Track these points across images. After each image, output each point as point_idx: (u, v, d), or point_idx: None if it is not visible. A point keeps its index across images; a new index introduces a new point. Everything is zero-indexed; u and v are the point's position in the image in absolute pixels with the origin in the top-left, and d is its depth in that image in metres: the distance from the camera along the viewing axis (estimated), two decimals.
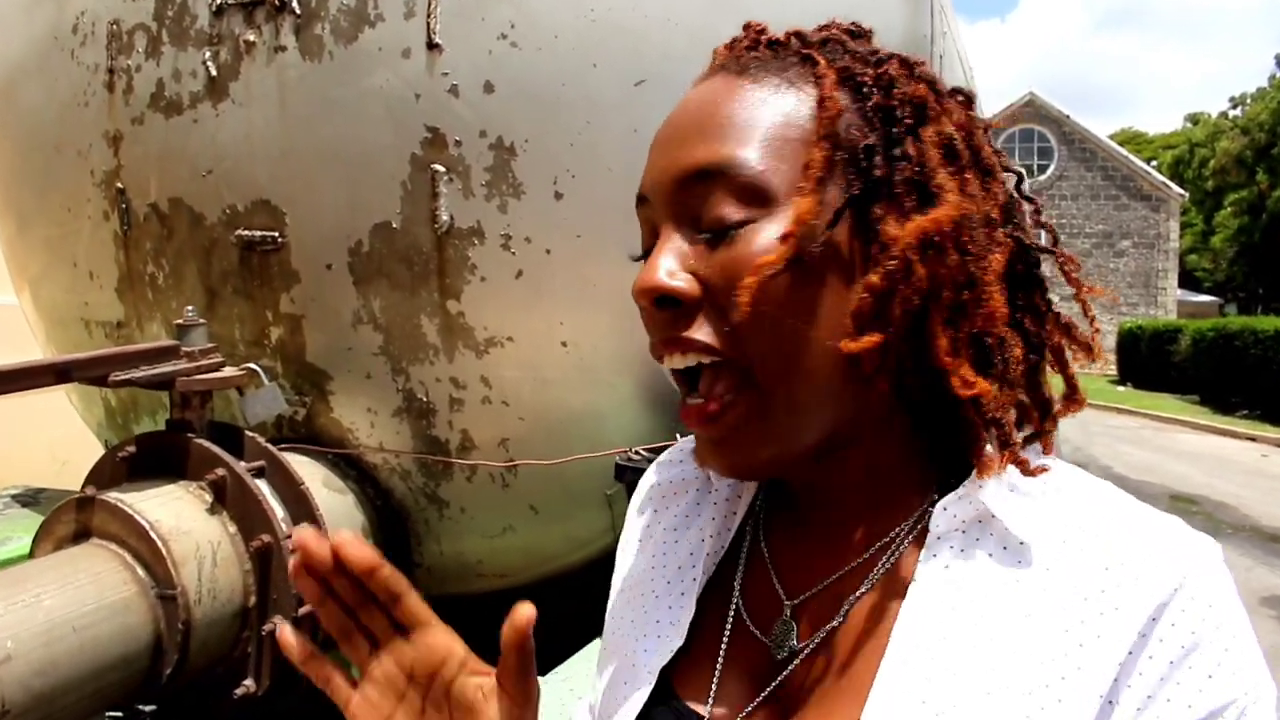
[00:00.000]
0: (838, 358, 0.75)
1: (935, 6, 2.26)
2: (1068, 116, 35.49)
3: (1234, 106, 41.05)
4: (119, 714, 2.22)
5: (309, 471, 2.27)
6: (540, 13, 2.05)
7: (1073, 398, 0.83)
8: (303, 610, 2.04)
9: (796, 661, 0.80)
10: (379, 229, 2.21)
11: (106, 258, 2.58)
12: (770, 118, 0.76)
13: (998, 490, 0.76)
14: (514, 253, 2.14)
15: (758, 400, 0.75)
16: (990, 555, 0.75)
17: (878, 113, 0.77)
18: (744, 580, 0.87)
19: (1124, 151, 36.34)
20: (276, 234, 2.29)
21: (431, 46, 2.09)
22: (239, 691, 1.99)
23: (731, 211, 0.74)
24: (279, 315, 2.36)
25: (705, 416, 0.76)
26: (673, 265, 0.75)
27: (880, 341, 0.74)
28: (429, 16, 2.08)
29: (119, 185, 2.50)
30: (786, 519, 0.89)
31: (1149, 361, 26.14)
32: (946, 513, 0.77)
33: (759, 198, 0.74)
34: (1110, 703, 0.67)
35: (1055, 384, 0.87)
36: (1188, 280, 41.62)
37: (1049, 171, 35.34)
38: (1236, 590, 0.71)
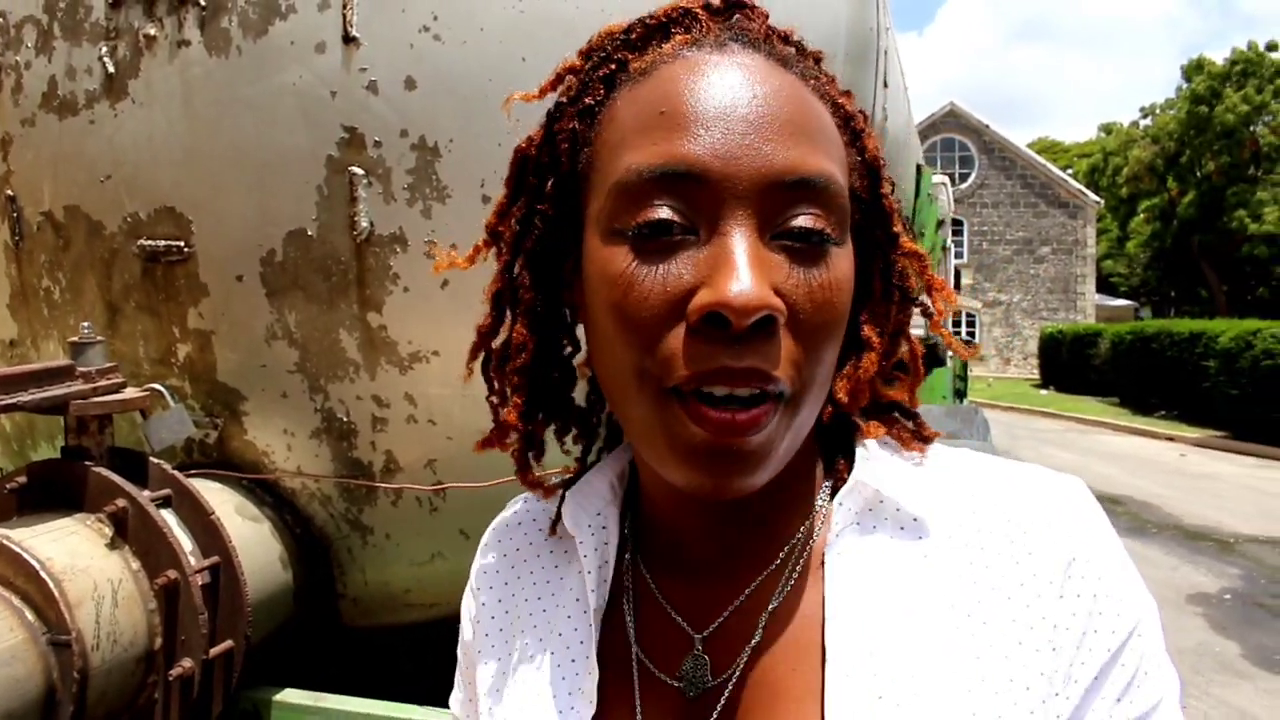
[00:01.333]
0: (832, 373, 0.75)
1: (880, 0, 2.18)
2: (987, 126, 36.42)
3: (1145, 116, 42.24)
4: None
5: (221, 499, 2.12)
6: (465, 3, 1.95)
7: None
8: (214, 651, 1.89)
9: (728, 690, 0.76)
10: (293, 237, 2.08)
11: None
12: (832, 133, 0.74)
13: (881, 473, 0.79)
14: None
15: (790, 415, 0.70)
16: (890, 537, 0.77)
17: (867, 169, 0.79)
18: (636, 628, 0.83)
19: (1042, 160, 37.38)
20: (182, 243, 2.15)
21: (348, 40, 1.98)
22: None
23: (829, 230, 0.70)
24: (186, 331, 2.21)
25: (745, 427, 0.67)
26: (766, 278, 0.67)
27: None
28: (345, 8, 1.97)
29: (9, 192, 2.35)
30: (667, 558, 0.85)
31: (1070, 365, 26.85)
32: (843, 508, 0.78)
33: (843, 221, 0.72)
34: (1054, 649, 0.71)
35: None
36: (1104, 285, 42.78)
37: (970, 180, 36.14)
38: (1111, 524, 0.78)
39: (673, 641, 0.80)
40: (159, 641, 1.86)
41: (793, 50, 0.77)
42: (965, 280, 34.50)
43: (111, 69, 2.14)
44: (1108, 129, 46.54)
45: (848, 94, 0.80)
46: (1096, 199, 36.93)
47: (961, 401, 9.42)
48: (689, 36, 0.76)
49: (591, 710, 0.79)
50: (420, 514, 2.24)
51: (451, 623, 0.98)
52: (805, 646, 0.75)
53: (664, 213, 0.68)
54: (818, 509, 0.81)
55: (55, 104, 2.22)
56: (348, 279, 2.08)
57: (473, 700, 0.92)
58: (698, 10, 0.78)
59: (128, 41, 2.13)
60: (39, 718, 1.67)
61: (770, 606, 0.77)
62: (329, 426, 2.21)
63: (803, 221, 0.68)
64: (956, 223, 35.48)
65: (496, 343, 0.89)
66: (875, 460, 0.80)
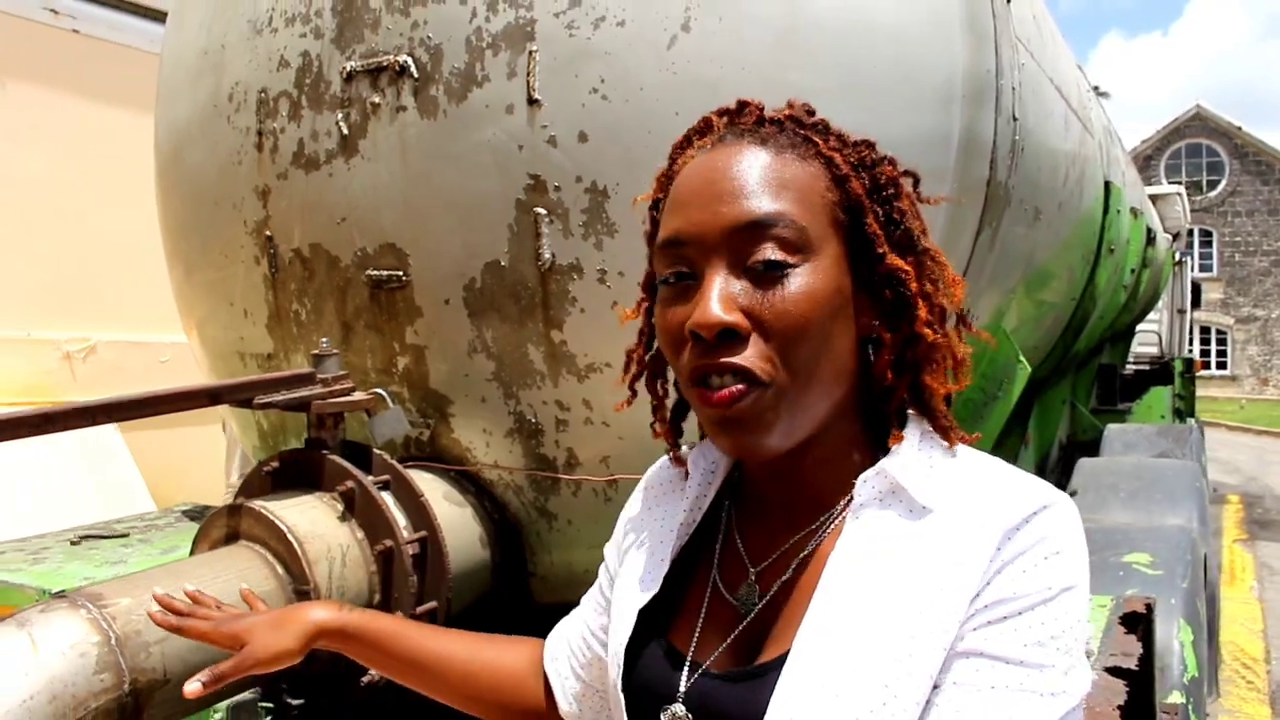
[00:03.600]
0: (836, 373, 0.98)
1: (1002, 40, 2.38)
2: (1240, 128, 33.90)
3: None
4: (270, 705, 2.51)
5: (430, 486, 2.52)
6: (627, 68, 2.26)
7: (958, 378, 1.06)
8: (420, 609, 2.29)
9: (754, 612, 1.03)
10: (490, 267, 2.44)
11: (258, 298, 2.90)
12: (803, 183, 0.99)
13: (907, 467, 0.98)
14: (609, 286, 2.34)
15: (780, 394, 0.95)
16: (899, 515, 0.97)
17: (874, 188, 1.02)
18: (721, 554, 1.11)
19: None
20: (401, 273, 2.56)
21: (531, 102, 2.32)
22: (365, 680, 2.24)
23: (783, 256, 0.95)
24: (405, 346, 2.62)
25: (727, 400, 0.95)
26: (728, 303, 0.94)
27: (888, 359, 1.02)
28: (529, 75, 2.31)
29: (268, 233, 2.81)
30: (752, 503, 1.12)
31: None
32: (866, 485, 0.99)
33: (801, 246, 0.96)
34: (976, 597, 0.89)
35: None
36: None
37: (1219, 187, 33.83)
38: (1083, 536, 0.94)
39: (739, 570, 1.08)
40: (377, 597, 2.27)
41: (776, 129, 1.04)
42: (1213, 295, 32.30)
43: (345, 131, 2.58)
44: None
45: (845, 147, 1.04)
46: None
47: (1184, 420, 9.08)
48: (705, 139, 1.07)
49: (654, 590, 1.11)
50: (596, 503, 2.55)
51: None
52: (814, 585, 0.98)
53: (674, 269, 1.01)
54: (855, 486, 1.01)
55: (302, 161, 2.67)
56: (534, 302, 2.41)
57: (608, 568, 1.29)
58: (712, 117, 1.10)
59: (358, 109, 2.55)
60: None
61: (802, 554, 1.03)
62: (520, 427, 2.56)
63: (760, 255, 0.95)
64: (1205, 234, 33.43)
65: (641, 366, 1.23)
66: (904, 455, 1.00)
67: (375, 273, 2.59)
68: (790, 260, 0.95)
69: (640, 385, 1.23)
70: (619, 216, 2.31)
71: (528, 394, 2.52)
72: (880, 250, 1.00)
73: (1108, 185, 4.75)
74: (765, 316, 0.94)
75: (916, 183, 1.08)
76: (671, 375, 1.20)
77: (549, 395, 2.49)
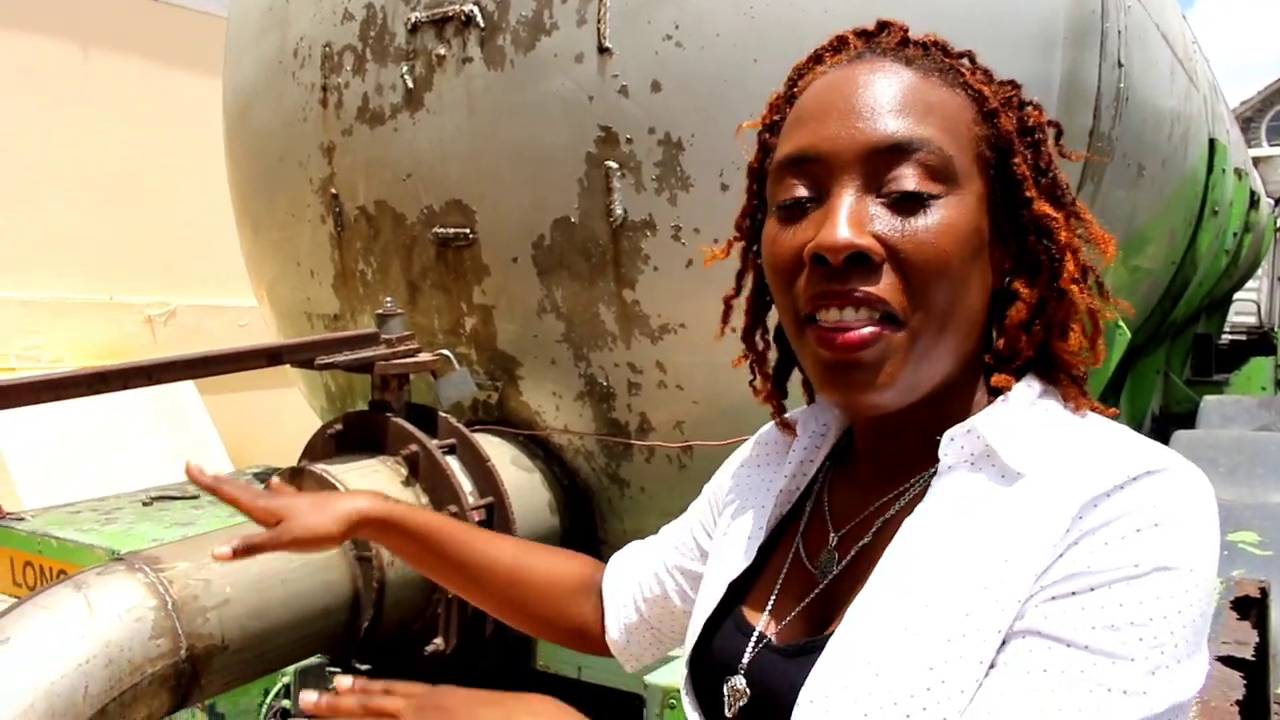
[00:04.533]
0: (969, 323, 0.89)
1: None
2: None
3: None
4: (336, 670, 2.46)
5: (498, 451, 2.45)
6: (703, 13, 2.15)
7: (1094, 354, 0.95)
8: None
9: (829, 578, 0.95)
10: (559, 223, 2.36)
11: (324, 257, 2.85)
12: (950, 110, 0.89)
13: (1002, 425, 0.88)
14: (684, 243, 2.23)
15: (908, 339, 0.85)
16: (989, 479, 0.86)
17: (1023, 129, 0.93)
18: (808, 521, 1.04)
19: None
20: (468, 231, 2.48)
21: (602, 50, 2.22)
22: (429, 648, 2.18)
23: (925, 185, 0.84)
24: (472, 306, 2.55)
25: (855, 343, 0.84)
26: (859, 225, 0.84)
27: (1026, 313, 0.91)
28: (599, 22, 2.21)
29: (333, 191, 2.75)
30: (848, 472, 1.05)
31: None
32: (954, 443, 0.89)
33: (945, 176, 0.85)
34: (1044, 572, 0.78)
35: None
36: None
37: None
38: (1208, 514, 0.79)
39: (822, 537, 1.00)
40: None
41: (921, 51, 0.93)
42: None
43: (410, 85, 2.50)
44: None
45: (991, 83, 0.95)
46: None
47: None
48: (838, 57, 0.96)
49: (746, 563, 1.04)
50: (670, 470, 2.47)
51: None
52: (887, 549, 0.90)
53: (796, 191, 0.89)
54: (941, 445, 0.91)
55: (367, 116, 2.61)
56: (605, 259, 2.32)
57: (701, 510, 1.24)
58: (849, 35, 0.99)
59: (423, 61, 2.47)
60: (347, 617, 2.05)
61: (884, 517, 0.93)
62: (591, 390, 2.48)
63: (900, 182, 0.84)
64: None
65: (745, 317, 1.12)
66: (1004, 413, 0.88)
67: (442, 230, 2.52)
68: (932, 190, 0.85)
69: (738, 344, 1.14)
70: (694, 170, 2.20)
71: (599, 356, 2.43)
72: (1029, 194, 0.91)
73: (1212, 143, 4.50)
74: (902, 246, 0.84)
75: (1060, 134, 0.98)
76: (773, 325, 1.08)
77: (621, 357, 2.40)
